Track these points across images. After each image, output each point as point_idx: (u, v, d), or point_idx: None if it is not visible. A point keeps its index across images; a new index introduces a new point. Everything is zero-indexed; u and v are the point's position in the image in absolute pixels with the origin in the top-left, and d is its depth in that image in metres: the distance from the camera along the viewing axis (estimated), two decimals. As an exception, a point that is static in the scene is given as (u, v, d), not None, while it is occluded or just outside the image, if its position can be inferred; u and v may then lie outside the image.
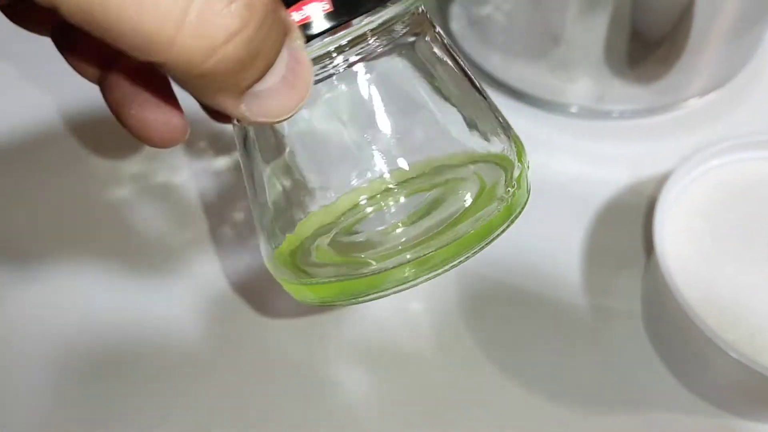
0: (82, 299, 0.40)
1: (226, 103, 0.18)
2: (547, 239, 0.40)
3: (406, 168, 0.23)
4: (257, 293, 0.39)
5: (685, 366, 0.35)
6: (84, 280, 0.40)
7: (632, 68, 0.42)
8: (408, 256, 0.23)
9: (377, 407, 0.35)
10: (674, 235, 0.34)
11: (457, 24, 0.47)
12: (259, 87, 0.18)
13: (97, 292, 0.40)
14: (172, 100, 0.21)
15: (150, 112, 0.20)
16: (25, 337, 0.38)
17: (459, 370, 0.36)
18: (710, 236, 0.34)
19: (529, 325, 0.38)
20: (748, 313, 0.31)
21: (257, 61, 0.17)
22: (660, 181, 0.42)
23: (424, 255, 0.23)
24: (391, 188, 0.23)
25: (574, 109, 0.45)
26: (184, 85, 0.17)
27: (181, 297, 0.39)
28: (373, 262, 0.23)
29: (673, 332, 0.34)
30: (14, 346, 0.38)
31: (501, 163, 0.25)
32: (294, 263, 0.24)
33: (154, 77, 0.21)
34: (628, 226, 0.41)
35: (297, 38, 0.18)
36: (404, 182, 0.23)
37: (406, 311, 0.38)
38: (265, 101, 0.18)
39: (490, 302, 0.38)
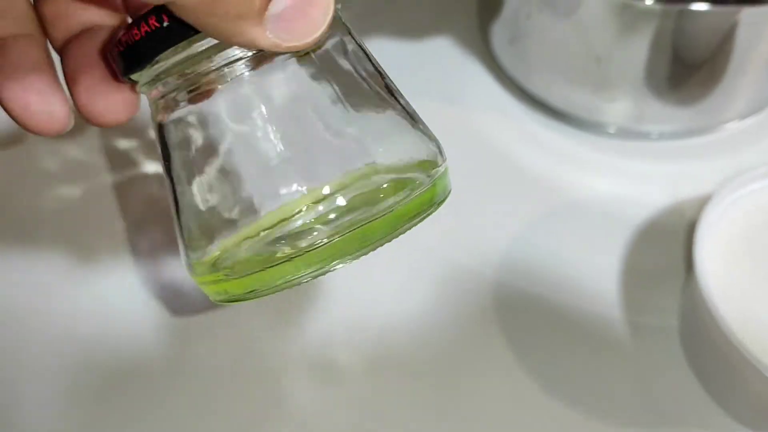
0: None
1: (251, 34, 0.17)
2: (585, 258, 0.41)
3: (325, 186, 0.23)
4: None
5: (723, 387, 0.35)
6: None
7: (672, 90, 0.42)
8: (325, 240, 0.23)
9: (409, 417, 0.36)
10: (714, 257, 0.34)
11: (498, 43, 0.47)
12: (275, 7, 0.18)
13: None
14: (57, 88, 0.21)
15: (32, 96, 0.20)
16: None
17: (495, 384, 0.37)
18: (750, 258, 0.34)
19: (566, 342, 0.38)
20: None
21: None
22: (698, 203, 0.43)
23: (340, 237, 0.23)
24: (312, 204, 0.23)
25: (613, 130, 0.45)
26: (201, 25, 0.17)
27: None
28: (289, 248, 0.23)
29: (711, 353, 0.34)
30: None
31: (422, 167, 0.26)
32: (213, 267, 0.24)
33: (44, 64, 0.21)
34: (666, 247, 0.41)
35: None
36: (323, 198, 0.23)
37: (440, 322, 0.39)
38: (289, 23, 0.18)
39: (527, 317, 0.39)
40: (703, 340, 0.35)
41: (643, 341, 0.38)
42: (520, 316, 0.39)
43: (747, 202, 0.36)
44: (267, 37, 0.18)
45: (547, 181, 0.44)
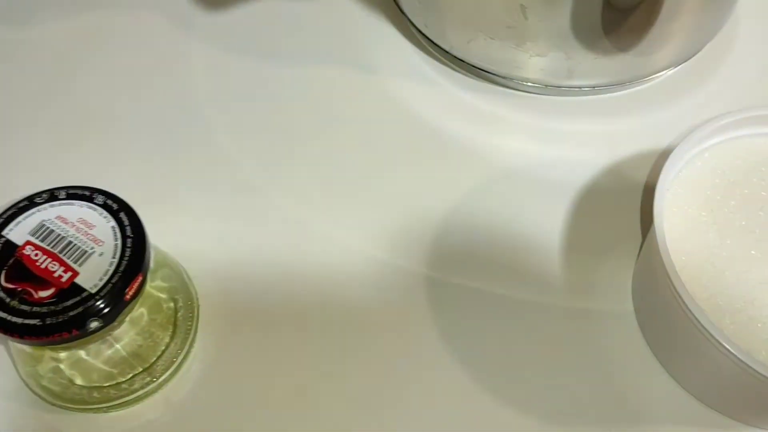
0: None
1: None
2: (524, 231, 0.37)
3: None
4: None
5: (681, 363, 0.32)
6: None
7: (603, 38, 0.38)
8: None
9: (346, 408, 0.31)
10: (672, 228, 0.30)
11: (407, -4, 0.42)
12: None
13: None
14: None
15: None
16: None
17: (427, 369, 0.33)
18: (713, 228, 0.30)
19: (508, 329, 0.34)
20: (754, 309, 0.28)
21: None
22: (639, 161, 0.39)
23: None
24: None
25: (542, 86, 0.41)
26: None
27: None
28: None
29: (668, 325, 0.31)
30: None
31: None
32: None
33: None
34: (611, 210, 0.37)
35: None
36: None
37: (369, 318, 0.34)
38: None
39: (466, 307, 0.34)
40: (660, 313, 0.31)
41: (593, 318, 0.34)
42: (457, 306, 0.34)
43: (706, 160, 0.32)
44: None
45: (474, 149, 0.40)
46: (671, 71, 0.42)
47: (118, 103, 0.41)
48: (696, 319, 0.26)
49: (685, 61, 0.42)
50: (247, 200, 0.38)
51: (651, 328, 0.33)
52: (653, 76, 0.42)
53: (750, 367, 0.26)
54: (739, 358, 0.26)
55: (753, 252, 0.29)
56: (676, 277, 0.27)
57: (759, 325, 0.28)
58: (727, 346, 0.26)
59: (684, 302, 0.27)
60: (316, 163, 0.39)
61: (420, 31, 0.42)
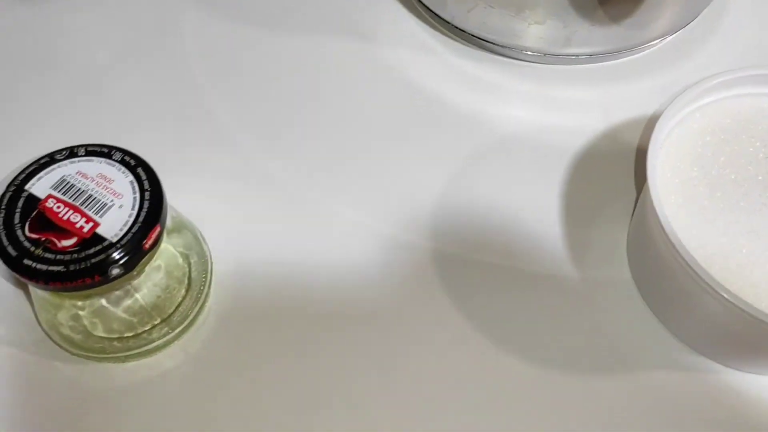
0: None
1: None
2: (523, 194, 0.38)
3: None
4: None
5: (676, 315, 0.33)
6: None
7: (599, 7, 0.39)
8: None
9: (356, 393, 0.33)
10: (664, 183, 0.32)
11: (409, -32, 0.43)
12: None
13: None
14: None
15: None
16: None
17: (438, 342, 0.34)
18: (703, 183, 0.32)
19: (510, 288, 0.35)
20: (742, 256, 0.29)
21: None
22: (634, 126, 0.40)
23: None
24: None
25: (540, 54, 0.42)
26: None
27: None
28: None
29: (664, 281, 0.32)
30: None
31: None
32: None
33: None
34: (607, 174, 0.38)
35: None
36: None
37: (375, 283, 0.35)
38: None
39: (467, 266, 0.36)
40: (656, 271, 0.32)
41: (591, 278, 0.35)
42: (461, 266, 0.36)
43: (695, 120, 0.33)
44: None
45: (473, 117, 0.41)
46: (667, 39, 0.44)
47: (134, 68, 0.42)
48: (687, 265, 0.28)
49: (680, 29, 0.43)
50: (250, 169, 0.39)
51: (644, 279, 0.34)
52: (649, 44, 0.43)
53: (738, 307, 0.27)
54: (728, 300, 0.27)
55: (741, 204, 0.31)
56: (669, 227, 0.29)
57: (746, 271, 0.29)
58: (717, 289, 0.27)
59: (676, 249, 0.28)
60: (315, 133, 0.40)
61: (420, 1, 0.43)
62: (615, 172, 0.38)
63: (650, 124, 0.40)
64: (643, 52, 0.43)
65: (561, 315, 0.34)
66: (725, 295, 0.27)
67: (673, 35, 0.44)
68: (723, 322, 0.30)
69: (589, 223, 0.37)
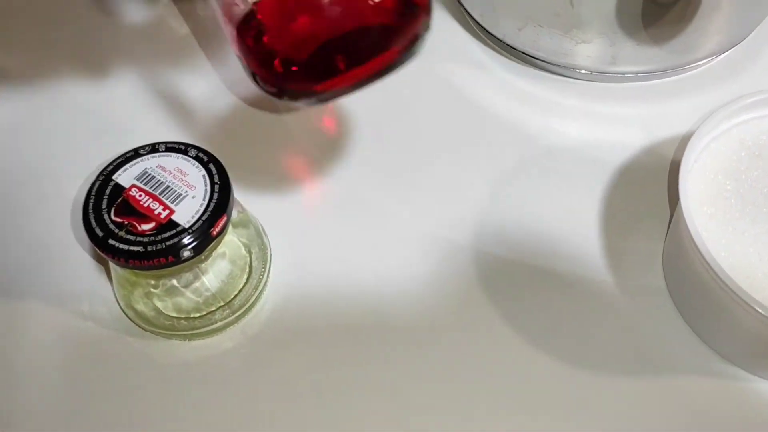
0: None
1: None
2: (565, 205, 0.40)
3: None
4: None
5: (711, 327, 0.34)
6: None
7: (646, 27, 0.41)
8: None
9: (399, 383, 0.35)
10: (698, 196, 0.33)
11: (464, -12, 0.46)
12: None
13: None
14: None
15: None
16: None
17: (480, 340, 0.36)
18: (735, 196, 0.33)
19: (550, 291, 0.37)
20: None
21: None
22: (676, 142, 0.42)
23: None
24: None
25: (587, 72, 0.44)
26: None
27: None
28: None
29: (698, 293, 0.33)
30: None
31: None
32: None
33: None
34: (646, 189, 0.40)
35: None
36: None
37: (420, 282, 0.38)
38: None
39: (508, 270, 0.38)
40: (689, 281, 0.34)
41: (628, 287, 0.37)
42: (503, 270, 0.38)
43: (728, 138, 0.35)
44: None
45: (521, 130, 0.43)
46: (713, 60, 0.45)
47: (211, 73, 0.46)
48: (718, 277, 0.29)
49: (726, 51, 0.45)
50: (313, 173, 0.42)
51: (679, 289, 0.36)
52: (694, 64, 0.44)
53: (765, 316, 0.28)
54: (759, 312, 0.28)
55: (770, 216, 0.32)
56: (699, 239, 0.30)
57: (772, 281, 0.31)
58: (746, 300, 0.29)
59: (706, 261, 0.30)
60: (374, 140, 0.43)
61: (475, 20, 0.46)
62: (654, 186, 0.40)
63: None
64: (688, 73, 0.45)
65: (597, 320, 0.36)
66: (757, 308, 0.29)
67: (719, 57, 0.45)
68: (754, 333, 0.31)
69: (627, 234, 0.39)
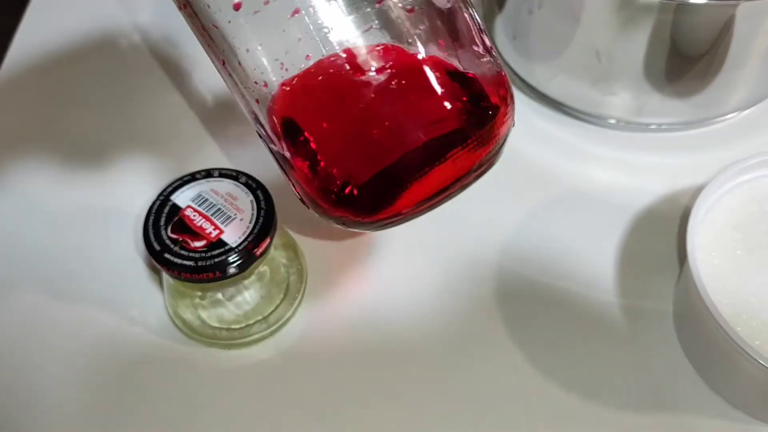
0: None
1: None
2: (583, 244, 0.42)
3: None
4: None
5: (715, 372, 0.36)
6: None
7: (671, 83, 0.43)
8: None
9: (420, 403, 0.38)
10: (707, 245, 0.35)
11: (501, 38, 0.49)
12: None
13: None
14: None
15: None
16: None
17: (494, 368, 0.38)
18: (743, 247, 0.35)
19: (564, 327, 0.39)
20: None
21: None
22: (695, 193, 0.44)
23: None
24: None
25: (613, 121, 0.47)
26: None
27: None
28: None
29: (703, 338, 0.35)
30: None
31: None
32: None
33: None
34: (662, 235, 0.42)
35: None
36: None
37: (442, 307, 0.40)
38: None
39: (526, 301, 0.40)
40: (696, 328, 0.36)
41: (639, 327, 0.39)
42: (520, 301, 0.40)
43: (740, 192, 0.37)
44: None
45: (548, 171, 0.46)
46: (737, 115, 0.47)
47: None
48: (726, 333, 0.31)
49: (751, 107, 0.47)
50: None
51: (685, 333, 0.38)
52: (719, 118, 0.46)
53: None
54: (758, 361, 0.31)
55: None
56: (705, 293, 0.32)
57: (772, 328, 0.33)
58: (748, 351, 0.31)
59: (715, 319, 0.32)
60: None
61: (511, 68, 0.49)
62: (670, 233, 0.42)
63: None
64: (712, 126, 0.47)
65: (606, 356, 0.38)
66: (758, 359, 0.30)
67: (743, 112, 0.47)
68: (757, 380, 0.33)
69: (641, 276, 0.41)
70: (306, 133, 0.25)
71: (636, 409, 0.37)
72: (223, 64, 0.26)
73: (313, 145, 0.25)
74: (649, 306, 0.40)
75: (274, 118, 0.26)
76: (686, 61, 0.42)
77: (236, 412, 0.37)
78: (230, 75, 0.26)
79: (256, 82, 0.25)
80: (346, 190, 0.25)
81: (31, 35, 0.54)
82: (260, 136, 0.27)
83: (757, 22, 0.40)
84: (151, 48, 0.53)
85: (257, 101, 0.26)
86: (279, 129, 0.26)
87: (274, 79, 0.25)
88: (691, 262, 0.33)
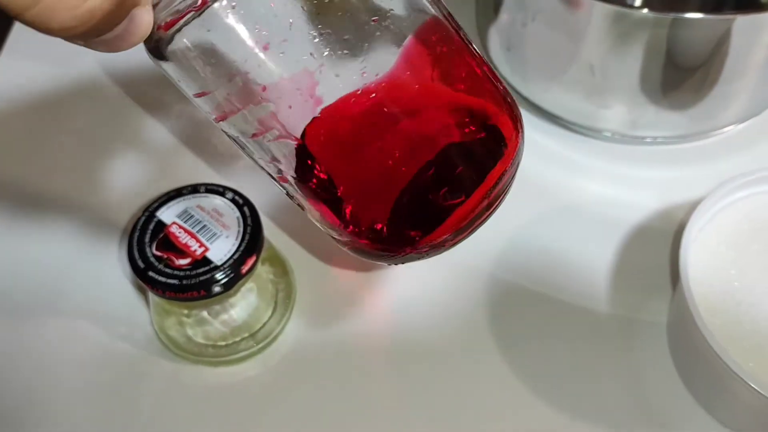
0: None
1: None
2: (577, 259, 0.42)
3: None
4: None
5: (707, 392, 0.36)
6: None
7: (665, 96, 0.43)
8: None
9: (403, 418, 0.37)
10: (700, 263, 0.35)
11: (495, 49, 0.48)
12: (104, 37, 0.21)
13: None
14: None
15: None
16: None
17: (484, 381, 0.38)
18: (735, 265, 0.35)
19: (556, 341, 0.39)
20: (759, 333, 0.32)
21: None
22: (689, 207, 0.43)
23: None
24: None
25: (608, 134, 0.46)
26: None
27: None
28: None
29: (695, 358, 0.35)
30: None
31: None
32: None
33: None
34: (656, 250, 0.42)
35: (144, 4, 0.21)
36: None
37: (434, 320, 0.40)
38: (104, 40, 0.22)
39: (518, 314, 0.40)
40: (689, 347, 0.35)
41: (632, 341, 0.39)
42: (513, 313, 0.40)
43: (733, 210, 0.36)
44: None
45: (542, 183, 0.45)
46: (733, 128, 0.47)
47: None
48: (718, 356, 0.31)
49: (746, 120, 0.46)
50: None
51: (678, 352, 0.37)
52: (714, 132, 0.46)
53: (764, 396, 0.30)
54: (750, 385, 0.30)
55: (766, 288, 0.34)
56: (697, 315, 0.32)
57: (765, 351, 0.32)
58: (745, 379, 0.30)
59: (708, 342, 0.31)
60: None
61: (505, 79, 0.49)
62: (664, 248, 0.42)
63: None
64: (707, 140, 0.47)
65: (598, 372, 0.38)
66: (750, 383, 0.30)
67: (738, 126, 0.47)
68: (750, 404, 0.33)
69: (635, 291, 0.40)
70: (333, 179, 0.26)
71: (626, 425, 0.36)
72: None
73: (339, 191, 0.26)
74: (642, 320, 0.39)
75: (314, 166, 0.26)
76: (681, 74, 0.42)
77: (223, 430, 0.37)
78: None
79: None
80: (377, 227, 0.26)
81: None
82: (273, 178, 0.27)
83: (753, 35, 0.40)
84: (133, 65, 0.52)
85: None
86: (324, 177, 0.26)
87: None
88: (683, 282, 0.33)
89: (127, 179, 0.46)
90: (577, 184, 0.46)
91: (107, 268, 0.42)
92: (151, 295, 0.37)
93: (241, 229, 0.35)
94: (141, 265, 0.34)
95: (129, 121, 0.50)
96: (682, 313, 0.35)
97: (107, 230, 0.44)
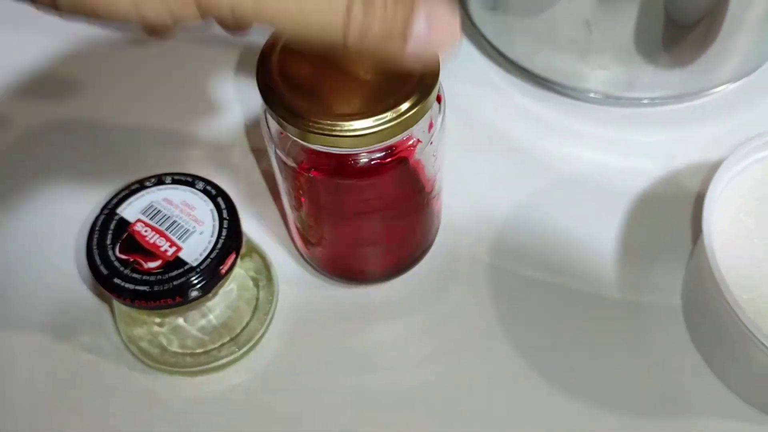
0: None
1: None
2: (581, 232, 0.39)
3: None
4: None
5: (726, 363, 0.33)
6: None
7: (664, 53, 0.40)
8: None
9: (399, 417, 0.34)
10: (721, 229, 0.32)
11: (477, 9, 0.44)
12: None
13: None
14: None
15: None
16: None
17: (489, 374, 0.35)
18: (758, 231, 0.32)
19: (565, 320, 0.36)
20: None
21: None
22: (694, 171, 0.41)
23: None
24: None
25: (602, 97, 0.43)
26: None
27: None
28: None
29: (718, 332, 0.33)
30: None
31: None
32: None
33: None
34: (664, 218, 0.39)
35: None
36: None
37: (430, 311, 0.37)
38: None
39: (524, 297, 0.37)
40: (710, 321, 0.33)
41: (646, 323, 0.36)
42: (515, 301, 0.37)
43: (755, 172, 0.34)
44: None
45: (536, 155, 0.42)
46: (730, 86, 0.44)
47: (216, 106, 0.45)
48: (741, 322, 0.28)
49: (745, 77, 0.44)
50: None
51: (698, 328, 0.35)
52: (713, 90, 0.43)
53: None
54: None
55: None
56: (724, 285, 0.29)
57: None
58: (762, 341, 0.28)
59: (732, 307, 0.29)
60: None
61: (490, 43, 0.45)
62: (674, 216, 0.39)
63: (711, 171, 0.40)
64: (707, 98, 0.44)
65: (611, 353, 0.35)
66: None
67: (738, 82, 0.44)
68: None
69: (644, 262, 0.38)
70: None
71: (646, 412, 0.34)
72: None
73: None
74: (654, 296, 0.37)
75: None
76: (679, 29, 0.39)
77: (207, 446, 0.33)
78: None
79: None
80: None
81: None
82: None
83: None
84: (87, 43, 0.47)
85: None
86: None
87: None
88: (710, 258, 0.30)
89: (81, 171, 0.42)
90: (573, 153, 0.42)
91: (62, 272, 0.38)
92: (116, 304, 0.33)
93: (217, 224, 0.31)
94: (104, 271, 0.30)
95: (80, 105, 0.45)
96: (702, 285, 0.32)
97: (59, 230, 0.39)
